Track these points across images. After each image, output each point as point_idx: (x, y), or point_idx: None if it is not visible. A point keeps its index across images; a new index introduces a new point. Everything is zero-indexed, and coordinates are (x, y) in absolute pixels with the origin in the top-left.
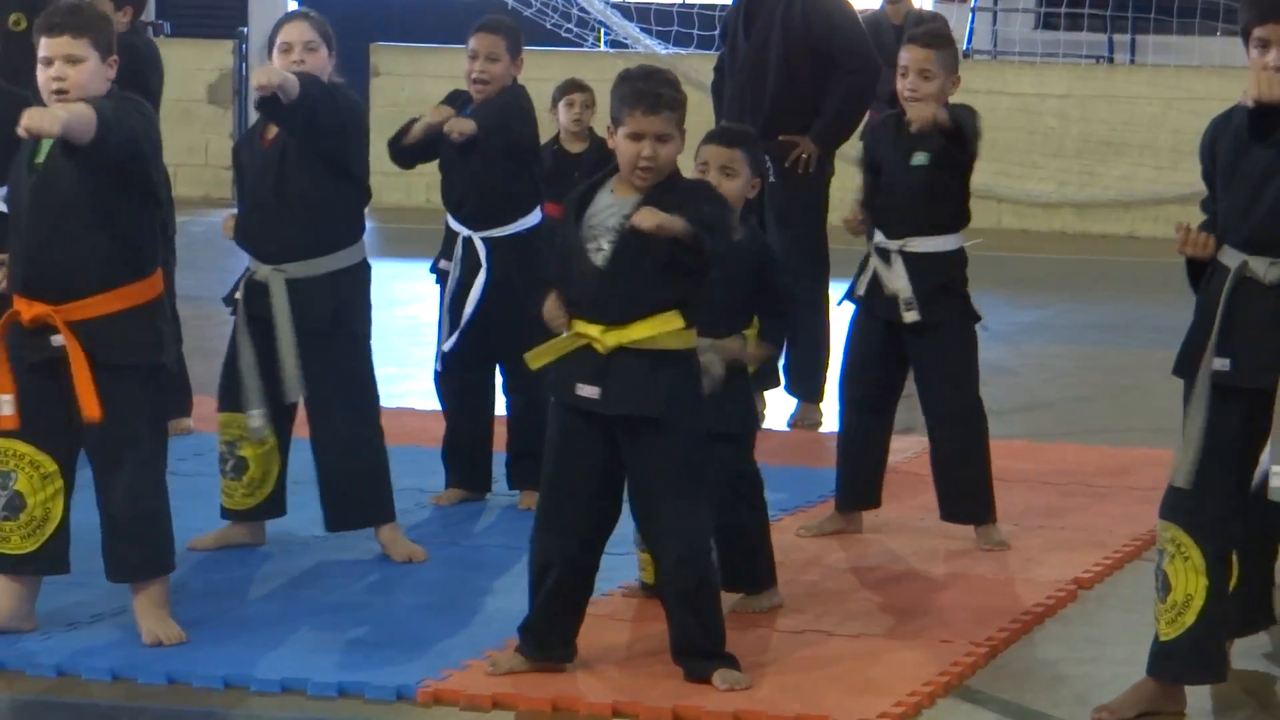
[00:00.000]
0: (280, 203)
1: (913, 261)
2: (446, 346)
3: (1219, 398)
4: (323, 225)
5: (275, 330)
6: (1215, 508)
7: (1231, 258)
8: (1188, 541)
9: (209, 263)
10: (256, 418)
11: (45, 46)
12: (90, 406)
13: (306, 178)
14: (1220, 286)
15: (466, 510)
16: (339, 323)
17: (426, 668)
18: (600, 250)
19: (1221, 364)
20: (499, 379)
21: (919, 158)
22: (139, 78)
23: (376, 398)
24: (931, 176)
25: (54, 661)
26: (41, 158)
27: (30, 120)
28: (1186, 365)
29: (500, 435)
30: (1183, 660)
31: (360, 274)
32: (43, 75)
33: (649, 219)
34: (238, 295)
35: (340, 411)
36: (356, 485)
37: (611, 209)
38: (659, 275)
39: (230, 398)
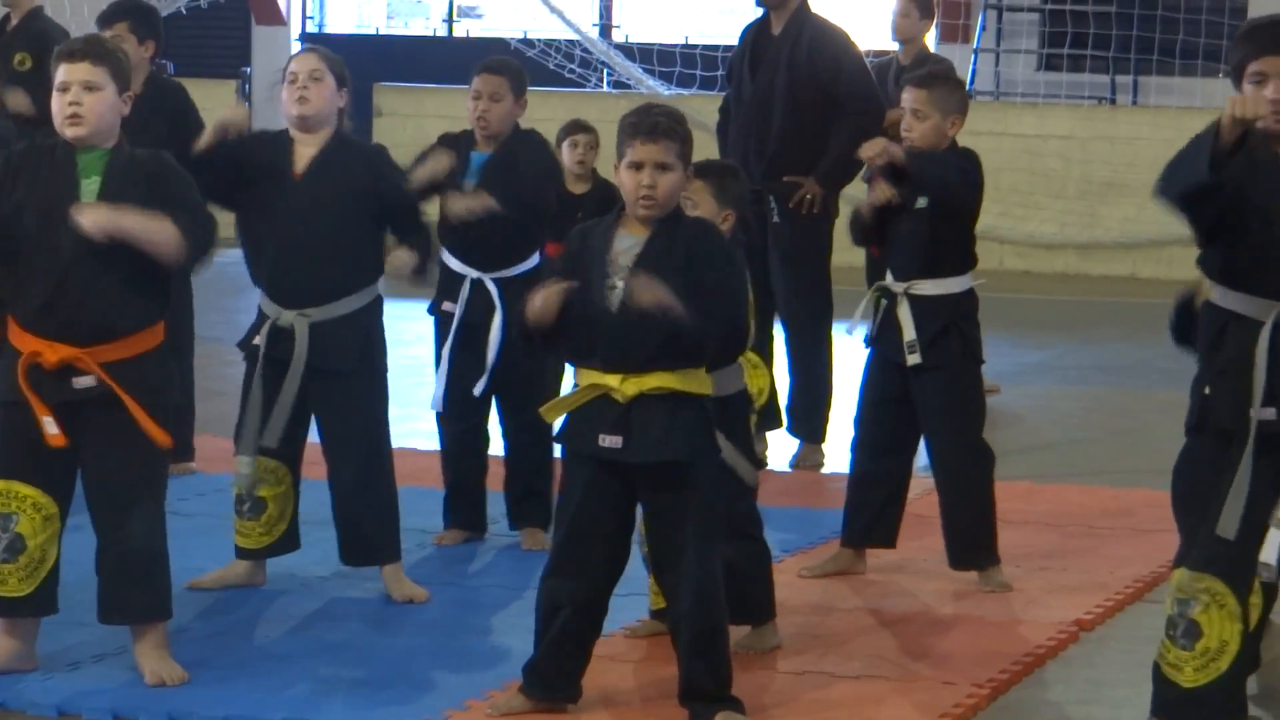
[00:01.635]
0: (316, 246)
1: (918, 304)
2: (478, 390)
3: (1259, 448)
4: (351, 266)
5: (308, 375)
6: (1249, 554)
7: (1259, 308)
8: (1224, 590)
9: (213, 303)
10: (246, 464)
11: (63, 72)
12: (158, 433)
13: (341, 220)
14: (1242, 338)
15: (466, 550)
16: (365, 360)
17: (428, 708)
18: (614, 289)
19: (1268, 414)
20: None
21: (921, 201)
22: (188, 120)
23: (389, 436)
24: (933, 220)
25: (55, 702)
26: (92, 198)
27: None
28: (1220, 419)
29: (496, 475)
30: (1218, 706)
31: (379, 308)
32: (58, 102)
33: (647, 294)
34: (256, 340)
35: (360, 451)
36: (372, 524)
37: (626, 249)
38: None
39: (247, 440)
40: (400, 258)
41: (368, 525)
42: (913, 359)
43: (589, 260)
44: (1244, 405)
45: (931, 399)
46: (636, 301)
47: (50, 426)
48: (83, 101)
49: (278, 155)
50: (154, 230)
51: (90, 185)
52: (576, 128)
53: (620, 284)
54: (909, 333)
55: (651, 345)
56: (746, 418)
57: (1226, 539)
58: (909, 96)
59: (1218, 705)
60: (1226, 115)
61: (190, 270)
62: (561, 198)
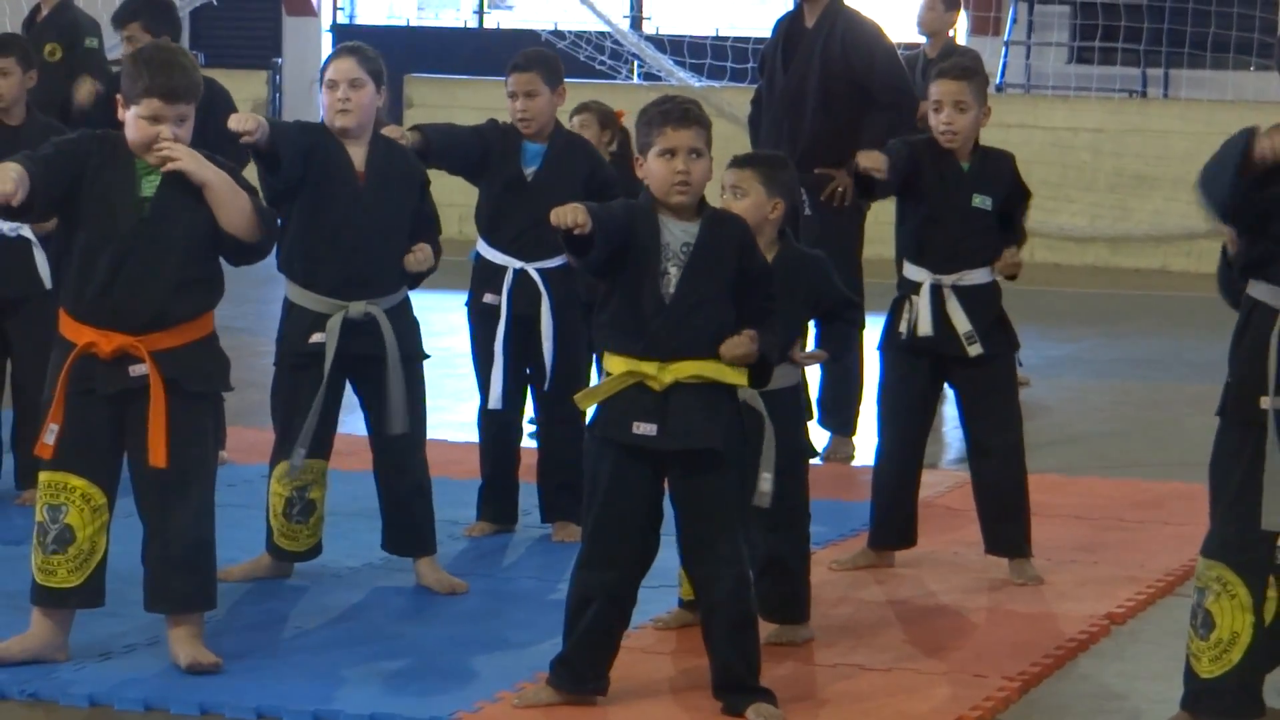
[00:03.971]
0: (380, 243)
1: (969, 295)
2: (545, 386)
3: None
4: (400, 259)
5: (346, 366)
6: (1263, 546)
7: (1277, 296)
8: (1234, 580)
9: (242, 294)
10: (299, 456)
11: (146, 107)
12: (158, 451)
13: (400, 217)
14: (1261, 326)
15: (497, 542)
16: (420, 346)
17: (459, 699)
18: (665, 274)
19: (1279, 403)
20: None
21: (981, 200)
22: (220, 115)
23: None
24: (994, 219)
25: (87, 692)
26: (148, 192)
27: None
28: (1238, 406)
29: (529, 467)
30: (1231, 697)
31: (409, 299)
32: (148, 132)
33: (740, 351)
34: (314, 339)
35: (419, 442)
36: (421, 515)
37: (679, 239)
38: (721, 310)
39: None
40: (426, 252)
41: (427, 515)
42: (974, 350)
43: (641, 244)
44: (1260, 394)
45: (986, 387)
46: (728, 359)
47: (48, 436)
48: (178, 136)
49: (335, 157)
50: (230, 193)
51: (151, 179)
52: (582, 109)
53: (674, 271)
54: (965, 324)
55: (702, 338)
56: (798, 410)
57: (1239, 527)
58: (951, 89)
59: (1231, 698)
60: (1256, 149)
61: (254, 254)
62: None
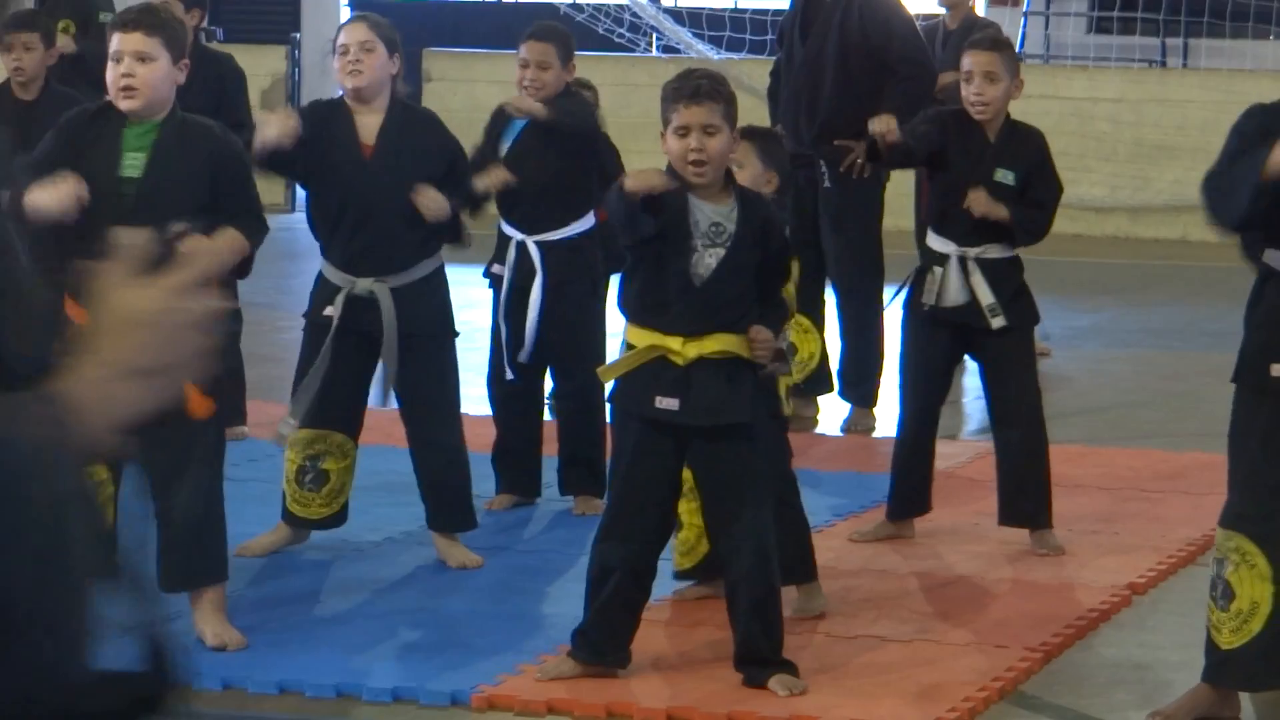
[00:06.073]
0: (390, 216)
1: (992, 267)
2: (523, 357)
3: None
4: (422, 232)
5: (366, 342)
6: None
7: None
8: (1253, 550)
9: (262, 269)
10: (288, 425)
11: (117, 41)
12: (200, 403)
13: (412, 188)
14: (1275, 294)
15: (518, 515)
16: (446, 324)
17: (481, 673)
18: (698, 255)
19: None
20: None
21: (1004, 175)
22: (230, 93)
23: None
24: (1017, 195)
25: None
26: (135, 173)
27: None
28: (1249, 373)
29: (549, 440)
30: (1250, 667)
31: (445, 274)
32: (112, 71)
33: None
34: (328, 312)
35: (449, 416)
36: (463, 490)
37: (709, 220)
38: (749, 290)
39: (312, 413)
40: (434, 197)
41: (461, 492)
42: (997, 321)
43: (671, 220)
44: (1272, 361)
45: (1009, 358)
46: (759, 355)
47: None
48: (136, 73)
49: (341, 128)
50: (235, 254)
51: (134, 159)
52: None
53: (709, 255)
54: (987, 296)
55: (728, 315)
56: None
57: (1257, 497)
58: (982, 59)
59: (1251, 668)
60: (1274, 162)
61: (243, 271)
62: None
